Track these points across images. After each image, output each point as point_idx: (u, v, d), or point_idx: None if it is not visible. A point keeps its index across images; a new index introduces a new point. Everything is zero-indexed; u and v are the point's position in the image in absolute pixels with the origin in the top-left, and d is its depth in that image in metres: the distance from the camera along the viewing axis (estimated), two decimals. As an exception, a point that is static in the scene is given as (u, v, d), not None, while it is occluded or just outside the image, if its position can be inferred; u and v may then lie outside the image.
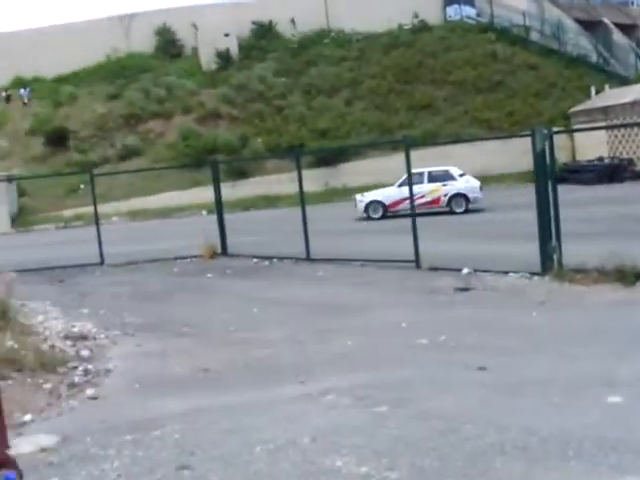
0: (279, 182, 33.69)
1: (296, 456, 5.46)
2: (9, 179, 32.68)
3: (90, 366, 8.63)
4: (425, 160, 23.53)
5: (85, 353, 9.26)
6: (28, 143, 42.10)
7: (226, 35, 46.25)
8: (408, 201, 23.64)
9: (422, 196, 23.28)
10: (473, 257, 13.32)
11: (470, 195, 24.75)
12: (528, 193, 13.03)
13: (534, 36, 46.31)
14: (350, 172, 35.48)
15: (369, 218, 24.48)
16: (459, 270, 12.60)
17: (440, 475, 4.99)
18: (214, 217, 19.58)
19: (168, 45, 48.77)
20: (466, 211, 24.41)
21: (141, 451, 5.86)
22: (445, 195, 24.50)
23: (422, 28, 46.58)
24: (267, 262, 16.49)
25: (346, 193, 34.11)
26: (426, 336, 8.72)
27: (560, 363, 7.36)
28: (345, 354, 8.38)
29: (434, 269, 13.34)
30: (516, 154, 26.54)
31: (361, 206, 24.97)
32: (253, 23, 47.95)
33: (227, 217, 19.16)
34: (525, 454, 5.17)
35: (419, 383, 7.05)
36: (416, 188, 23.88)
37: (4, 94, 46.54)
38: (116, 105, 43.30)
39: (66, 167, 37.64)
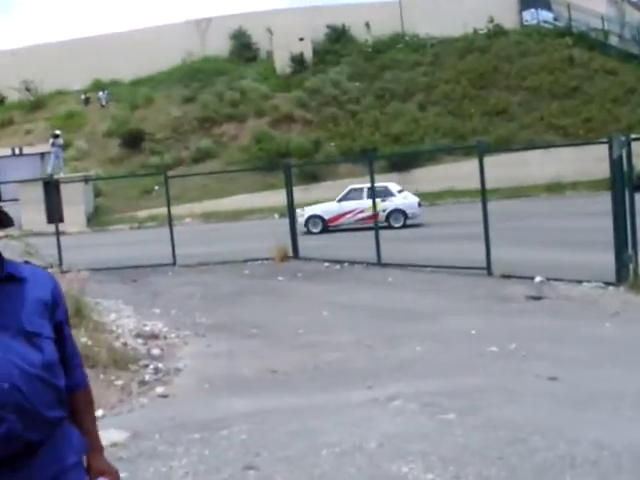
0: (351, 186, 33.69)
1: (362, 461, 5.45)
2: (86, 180, 33.35)
3: (161, 365, 8.76)
4: (498, 166, 23.33)
5: (156, 352, 9.40)
6: (105, 145, 42.95)
7: (301, 39, 46.49)
8: (347, 216, 24.93)
9: (361, 211, 24.28)
10: (546, 265, 13.11)
11: (408, 211, 25.35)
12: (603, 201, 12.77)
13: (613, 40, 45.34)
14: (423, 177, 35.28)
15: (309, 232, 24.42)
16: (532, 278, 12.42)
17: (507, 485, 4.91)
18: (286, 220, 19.68)
19: (243, 49, 49.25)
20: (404, 226, 24.87)
21: (208, 450, 5.92)
22: (384, 210, 24.81)
23: (498, 33, 46.07)
24: (338, 266, 16.51)
25: (419, 198, 33.98)
26: (496, 344, 8.62)
27: (633, 376, 7.19)
28: (413, 360, 8.33)
29: (506, 276, 13.16)
30: (591, 161, 26.09)
31: (301, 220, 24.76)
32: (327, 27, 48.11)
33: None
34: (596, 469, 5.05)
35: (488, 391, 6.96)
36: (355, 203, 25.15)
37: (83, 97, 47.62)
38: (191, 108, 43.89)
39: (141, 168, 38.31)
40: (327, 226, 25.11)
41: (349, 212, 25.00)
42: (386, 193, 25.30)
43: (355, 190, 25.75)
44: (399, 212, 25.40)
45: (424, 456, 5.43)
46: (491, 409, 6.44)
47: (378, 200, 24.53)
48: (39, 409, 2.45)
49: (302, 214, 25.02)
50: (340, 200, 25.39)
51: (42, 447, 2.49)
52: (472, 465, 5.22)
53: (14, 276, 2.54)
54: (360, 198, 24.81)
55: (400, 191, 26.00)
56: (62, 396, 2.59)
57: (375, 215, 24.68)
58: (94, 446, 2.73)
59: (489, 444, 5.58)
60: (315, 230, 24.74)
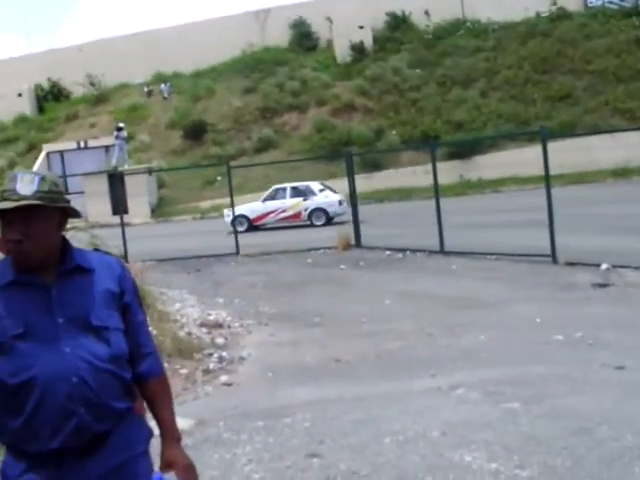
0: (414, 174, 33.55)
1: (425, 449, 5.44)
2: (150, 171, 33.83)
3: (225, 353, 8.85)
4: (563, 152, 22.98)
5: (220, 341, 9.50)
6: (168, 136, 43.47)
7: (360, 27, 46.38)
8: (271, 215, 25.90)
9: (284, 210, 26.01)
10: (613, 252, 12.86)
11: (329, 209, 25.99)
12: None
13: (682, 20, 44.22)
14: (485, 164, 34.97)
15: (236, 232, 24.37)
16: (597, 265, 12.19)
17: (573, 476, 4.84)
18: (348, 209, 19.67)
19: (303, 38, 49.34)
20: (327, 224, 25.32)
21: (272, 438, 5.97)
22: (305, 209, 26.04)
23: (561, 15, 45.29)
24: (400, 254, 16.45)
25: (481, 186, 33.67)
26: (561, 332, 8.50)
27: None
28: (477, 348, 8.27)
29: (571, 264, 12.96)
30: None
31: (228, 220, 24.92)
32: (387, 15, 47.88)
33: (361, 209, 19.22)
34: (665, 458, 4.96)
35: (553, 380, 6.88)
36: (279, 203, 26.21)
37: (146, 90, 48.24)
38: (252, 98, 44.16)
39: (203, 159, 38.70)
40: (252, 225, 25.83)
41: (272, 211, 26.11)
42: (308, 192, 26.37)
43: (279, 190, 26.88)
44: (320, 210, 26.13)
45: (488, 445, 5.39)
46: (556, 398, 6.36)
47: (300, 199, 26.25)
48: (107, 401, 2.51)
49: (228, 214, 25.46)
50: (265, 200, 26.38)
51: (110, 437, 2.55)
52: (537, 455, 5.16)
53: (83, 267, 2.59)
54: (284, 198, 26.38)
55: (322, 190, 26.70)
56: (129, 387, 2.64)
57: (297, 214, 26.01)
58: (170, 435, 2.72)
59: (554, 434, 5.51)
60: (241, 229, 24.86)
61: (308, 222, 25.88)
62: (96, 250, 2.81)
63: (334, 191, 26.75)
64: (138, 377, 2.68)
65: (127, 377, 2.61)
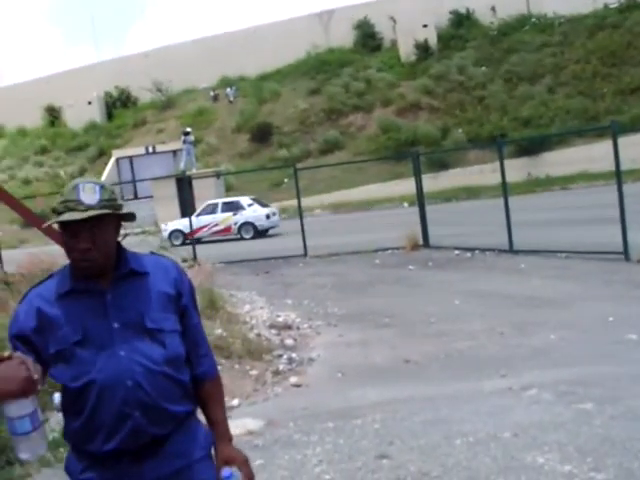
0: (481, 173, 33.27)
1: (497, 450, 5.39)
2: (217, 174, 34.14)
3: (294, 355, 8.90)
4: (634, 147, 22.48)
5: (289, 342, 9.55)
6: (234, 140, 43.87)
7: (424, 26, 46.15)
8: (204, 229, 26.78)
9: (216, 224, 27.34)
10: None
11: (257, 223, 27.25)
12: None
13: None
14: (554, 161, 34.45)
15: (173, 245, 24.62)
16: (672, 262, 11.93)
17: (650, 477, 4.75)
18: (415, 209, 19.59)
19: (367, 39, 49.31)
20: (255, 237, 26.87)
21: (342, 439, 5.98)
22: (235, 223, 27.39)
23: (631, 6, 44.33)
24: (469, 254, 16.32)
25: (550, 183, 33.21)
26: (635, 331, 8.33)
27: None
28: (548, 348, 8.16)
29: (644, 261, 12.70)
30: None
31: (165, 234, 26.58)
32: (451, 13, 47.56)
33: (428, 209, 19.11)
34: None
35: (627, 380, 6.74)
36: (210, 217, 27.32)
37: (212, 94, 48.75)
38: (317, 100, 44.28)
39: (270, 162, 38.95)
40: (186, 239, 26.11)
41: (205, 226, 27.07)
42: (238, 207, 27.55)
43: (211, 205, 28.12)
44: (249, 224, 27.20)
45: (561, 447, 5.32)
46: (632, 399, 6.23)
47: (230, 214, 27.39)
48: (163, 404, 2.55)
49: (165, 229, 27.39)
50: (198, 215, 27.14)
51: (168, 440, 2.59)
52: (612, 457, 5.07)
53: (137, 271, 2.63)
54: (215, 212, 27.73)
55: (250, 205, 27.71)
56: (188, 390, 2.67)
57: (228, 228, 27.19)
58: (222, 436, 2.77)
59: (630, 435, 5.40)
60: (177, 243, 25.95)
61: (238, 235, 27.17)
62: (152, 253, 2.85)
63: (265, 205, 28.21)
64: (194, 379, 2.72)
65: (184, 379, 2.65)
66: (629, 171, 21.74)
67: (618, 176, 13.78)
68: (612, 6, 44.56)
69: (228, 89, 48.10)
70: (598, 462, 5.00)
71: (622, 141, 14.25)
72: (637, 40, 41.46)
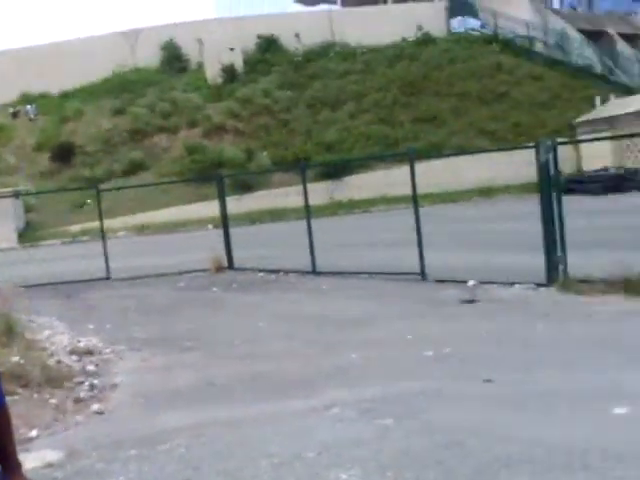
0: (286, 195, 33.69)
1: (301, 470, 5.45)
2: (16, 195, 32.76)
3: (96, 381, 8.64)
4: (430, 172, 23.53)
5: (91, 368, 9.27)
6: (34, 159, 42.24)
7: (231, 49, 46.40)
8: None
9: None
10: (478, 268, 13.27)
11: None
12: (533, 204, 12.98)
13: (538, 47, 46.44)
14: (355, 185, 35.47)
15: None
16: (465, 282, 12.56)
17: (445, 488, 4.96)
18: (220, 231, 19.58)
19: (174, 60, 48.97)
20: None
21: (146, 466, 5.86)
22: None
23: (426, 40, 46.76)
24: (273, 276, 16.49)
25: (352, 206, 34.16)
26: (432, 349, 8.70)
27: (566, 375, 7.33)
28: (350, 367, 8.37)
29: (440, 281, 13.31)
30: (522, 165, 26.19)
31: None
32: (258, 37, 48.13)
33: (233, 231, 19.17)
34: (530, 466, 5.14)
35: (424, 396, 7.03)
36: None
37: (11, 110, 46.76)
38: (122, 120, 43.44)
39: (72, 182, 37.74)
40: None
41: None
42: None
43: None
44: None
45: (363, 462, 5.45)
46: (428, 413, 6.50)
47: None
48: None
49: None
50: None
51: None
52: (411, 470, 5.26)
53: None
54: None
55: None
56: None
57: None
58: (15, 465, 2.66)
59: (427, 448, 5.63)
60: None
61: None
62: None
63: None
64: None
65: None
66: (426, 195, 22.76)
67: (415, 200, 14.40)
68: (410, 40, 46.72)
69: (28, 106, 46.29)
70: (398, 475, 5.17)
71: (419, 167, 14.91)
72: (432, 72, 43.72)
